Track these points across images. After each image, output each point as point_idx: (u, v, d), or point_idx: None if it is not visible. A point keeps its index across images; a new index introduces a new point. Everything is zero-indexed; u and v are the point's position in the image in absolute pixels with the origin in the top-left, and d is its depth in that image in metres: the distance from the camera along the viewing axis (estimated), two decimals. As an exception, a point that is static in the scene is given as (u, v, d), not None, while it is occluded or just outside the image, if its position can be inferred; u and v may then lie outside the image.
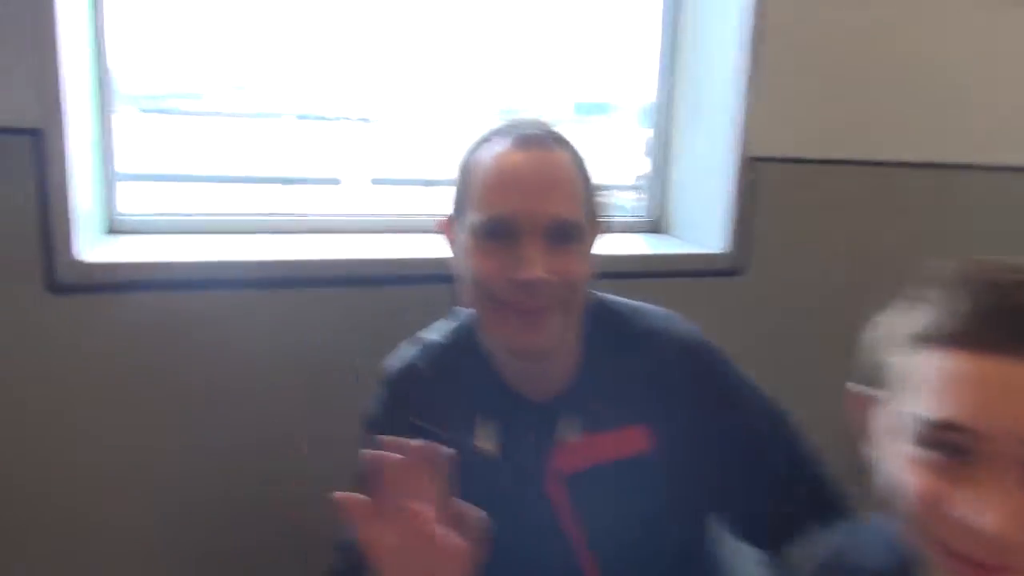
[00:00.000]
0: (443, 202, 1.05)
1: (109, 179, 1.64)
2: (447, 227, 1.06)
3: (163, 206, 1.76)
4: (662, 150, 2.08)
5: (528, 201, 0.93)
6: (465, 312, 1.07)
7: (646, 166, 2.13)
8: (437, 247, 1.08)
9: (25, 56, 1.35)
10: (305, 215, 1.84)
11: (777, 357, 1.65)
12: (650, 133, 2.11)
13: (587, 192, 0.99)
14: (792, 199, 1.94)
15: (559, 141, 0.99)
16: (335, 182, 6.55)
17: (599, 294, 1.08)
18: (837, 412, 0.77)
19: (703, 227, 1.96)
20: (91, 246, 1.52)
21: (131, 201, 1.69)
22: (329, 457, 1.20)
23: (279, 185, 5.63)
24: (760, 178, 1.87)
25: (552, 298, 0.94)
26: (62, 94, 1.37)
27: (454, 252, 1.04)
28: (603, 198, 1.03)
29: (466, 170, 1.00)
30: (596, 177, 1.01)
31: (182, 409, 1.55)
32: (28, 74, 1.35)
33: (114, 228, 1.66)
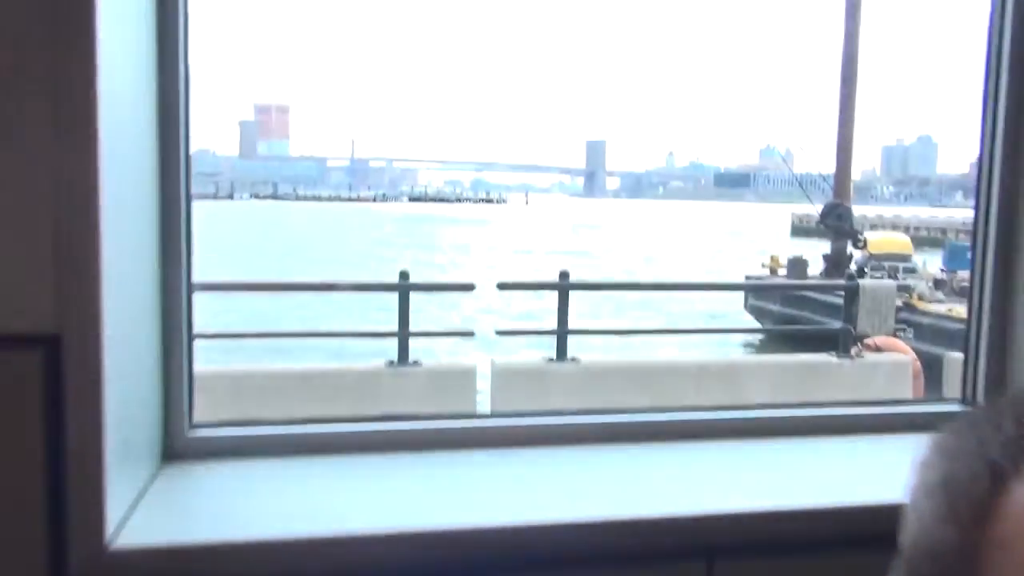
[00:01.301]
0: None
1: (172, 383, 1.09)
2: None
3: (247, 415, 1.22)
4: (987, 271, 1.34)
5: None
6: None
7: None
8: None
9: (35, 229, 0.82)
10: (474, 416, 1.25)
11: None
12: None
13: None
14: None
15: None
16: (470, 288, 6.08)
17: None
18: None
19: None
20: (132, 511, 0.95)
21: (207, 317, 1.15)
22: None
23: (407, 293, 4.96)
24: None
25: None
26: (100, 284, 0.83)
27: None
28: None
29: (964, 546, 0.44)
30: None
31: None
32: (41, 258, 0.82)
33: (176, 452, 1.10)
